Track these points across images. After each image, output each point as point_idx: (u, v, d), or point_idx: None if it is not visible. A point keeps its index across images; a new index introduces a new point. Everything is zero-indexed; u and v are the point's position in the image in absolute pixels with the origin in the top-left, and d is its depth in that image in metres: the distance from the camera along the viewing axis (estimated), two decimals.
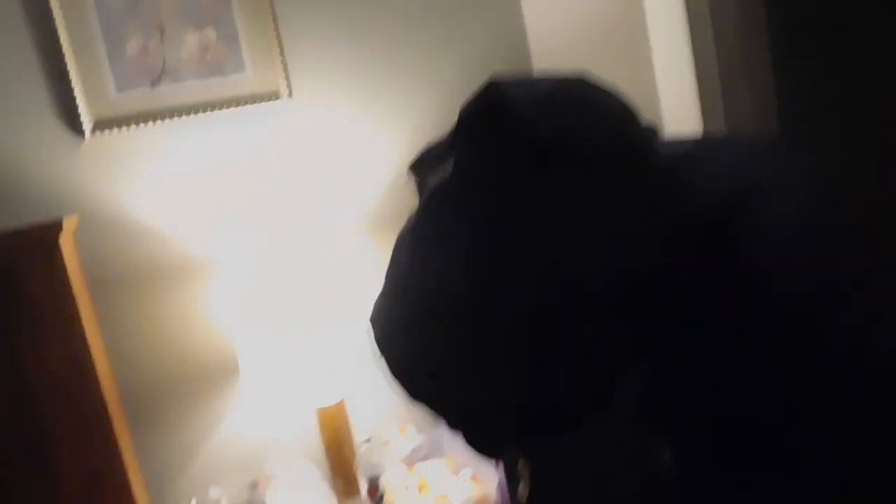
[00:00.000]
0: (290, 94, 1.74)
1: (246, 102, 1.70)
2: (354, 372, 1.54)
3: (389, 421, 1.82)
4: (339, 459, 1.61)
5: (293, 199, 1.77)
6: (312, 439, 1.68)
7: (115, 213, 1.64)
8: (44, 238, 1.42)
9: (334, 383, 1.58)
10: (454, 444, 1.70)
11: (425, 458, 1.72)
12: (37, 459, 1.47)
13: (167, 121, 1.64)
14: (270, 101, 1.72)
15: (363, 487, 1.60)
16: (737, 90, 1.49)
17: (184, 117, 1.66)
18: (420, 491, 1.59)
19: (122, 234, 1.65)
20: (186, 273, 1.70)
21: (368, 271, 1.58)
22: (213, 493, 1.70)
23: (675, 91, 1.57)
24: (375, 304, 0.69)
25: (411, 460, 1.70)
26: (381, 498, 1.59)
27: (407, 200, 1.94)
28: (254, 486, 1.72)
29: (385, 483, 1.60)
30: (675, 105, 1.57)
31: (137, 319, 1.68)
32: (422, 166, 0.72)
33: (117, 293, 1.65)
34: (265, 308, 1.53)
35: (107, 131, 1.60)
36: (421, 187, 0.72)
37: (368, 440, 1.61)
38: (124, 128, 1.61)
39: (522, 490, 0.77)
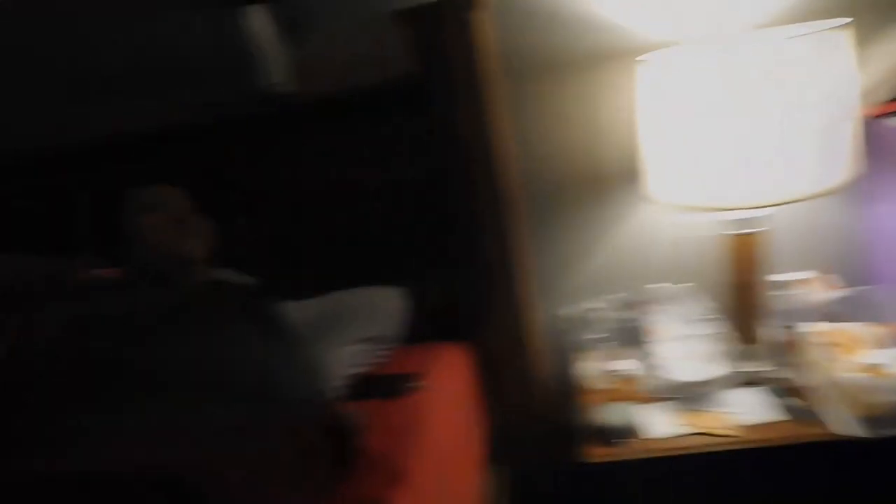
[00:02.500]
0: None
1: None
2: (780, 198, 1.22)
3: (809, 267, 1.50)
4: (744, 300, 1.37)
5: None
6: (711, 271, 1.46)
7: None
8: (458, 13, 1.34)
9: (753, 209, 1.30)
10: (891, 310, 1.34)
11: (849, 318, 1.39)
12: (443, 239, 1.51)
13: None
14: None
15: (769, 336, 1.35)
16: None
17: None
18: (839, 355, 1.29)
19: (539, 19, 1.49)
20: (603, 64, 1.50)
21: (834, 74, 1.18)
22: (589, 305, 1.61)
23: None
24: None
25: (831, 317, 1.39)
26: (789, 351, 1.32)
27: None
28: (629, 305, 1.59)
29: (796, 337, 1.33)
30: None
31: (544, 109, 1.55)
32: None
33: (530, 81, 1.54)
34: (687, 109, 1.26)
35: None
36: None
37: (784, 285, 1.32)
38: None
39: None
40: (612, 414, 1.31)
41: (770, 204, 1.21)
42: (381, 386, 1.32)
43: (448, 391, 1.32)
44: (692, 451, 1.21)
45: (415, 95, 1.42)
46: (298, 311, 1.54)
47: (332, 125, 1.53)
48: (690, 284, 1.49)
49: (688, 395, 1.34)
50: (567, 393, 1.58)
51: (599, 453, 1.26)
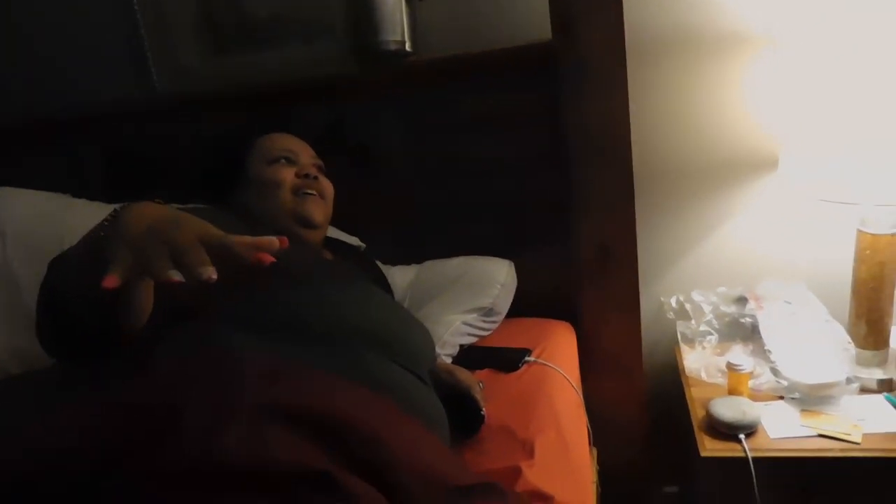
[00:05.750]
0: None
1: None
2: None
3: None
4: (872, 301, 1.32)
5: None
6: (838, 270, 1.41)
7: None
8: None
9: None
10: None
11: None
12: (555, 216, 1.48)
13: None
14: None
15: None
16: None
17: None
18: None
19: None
20: (731, 50, 1.46)
21: None
22: (696, 296, 1.58)
23: None
24: None
25: None
26: None
27: None
28: (741, 300, 1.55)
29: None
30: None
31: (666, 95, 1.52)
32: None
33: (650, 63, 1.50)
34: (823, 100, 1.22)
35: None
36: None
37: None
38: None
39: None
40: (727, 408, 1.27)
41: None
42: (497, 358, 1.31)
43: (560, 367, 1.30)
44: (819, 455, 1.17)
45: (542, 66, 1.39)
46: (398, 276, 1.53)
47: (451, 90, 1.50)
48: (803, 283, 1.44)
49: (809, 396, 1.30)
50: (670, 381, 1.55)
51: (716, 447, 1.23)
